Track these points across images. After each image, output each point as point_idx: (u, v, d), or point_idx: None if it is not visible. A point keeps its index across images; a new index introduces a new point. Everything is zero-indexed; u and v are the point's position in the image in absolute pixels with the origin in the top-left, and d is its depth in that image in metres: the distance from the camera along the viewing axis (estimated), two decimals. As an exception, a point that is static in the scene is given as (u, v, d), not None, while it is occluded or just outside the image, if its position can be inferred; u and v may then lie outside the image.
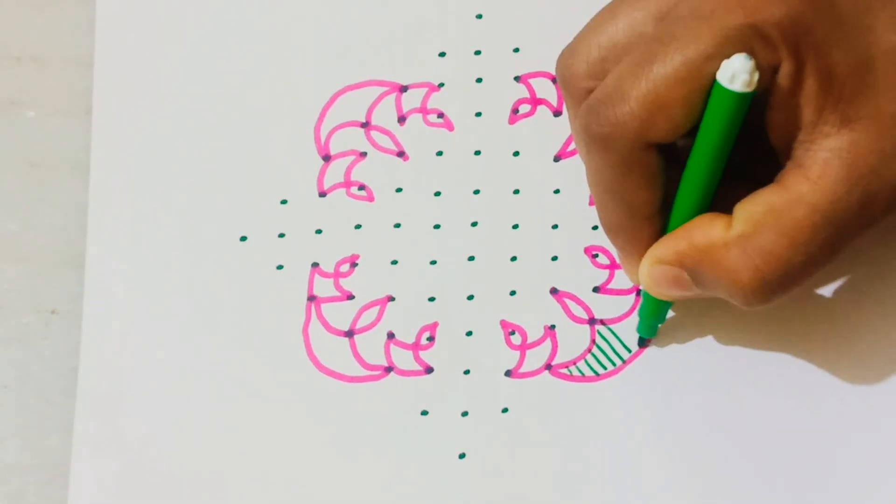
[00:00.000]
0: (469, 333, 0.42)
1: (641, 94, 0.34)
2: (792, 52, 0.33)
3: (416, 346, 0.42)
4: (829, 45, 0.34)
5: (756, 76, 0.33)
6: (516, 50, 0.45)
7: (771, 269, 0.35)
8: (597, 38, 0.37)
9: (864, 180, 0.34)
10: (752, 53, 0.33)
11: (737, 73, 0.33)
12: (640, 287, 0.40)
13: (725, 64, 0.33)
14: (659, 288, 0.38)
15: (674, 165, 0.36)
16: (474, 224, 0.43)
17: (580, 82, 0.37)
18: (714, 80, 0.33)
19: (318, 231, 0.43)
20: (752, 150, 0.37)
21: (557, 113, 0.44)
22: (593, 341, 0.42)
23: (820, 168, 0.34)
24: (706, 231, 0.36)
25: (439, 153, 0.44)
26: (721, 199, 0.36)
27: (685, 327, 0.42)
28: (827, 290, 0.42)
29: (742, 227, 0.35)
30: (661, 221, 0.37)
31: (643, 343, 0.42)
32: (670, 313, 0.42)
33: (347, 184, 0.44)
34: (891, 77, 0.34)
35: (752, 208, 0.35)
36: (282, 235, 0.43)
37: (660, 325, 0.42)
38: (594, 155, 0.36)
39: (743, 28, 0.33)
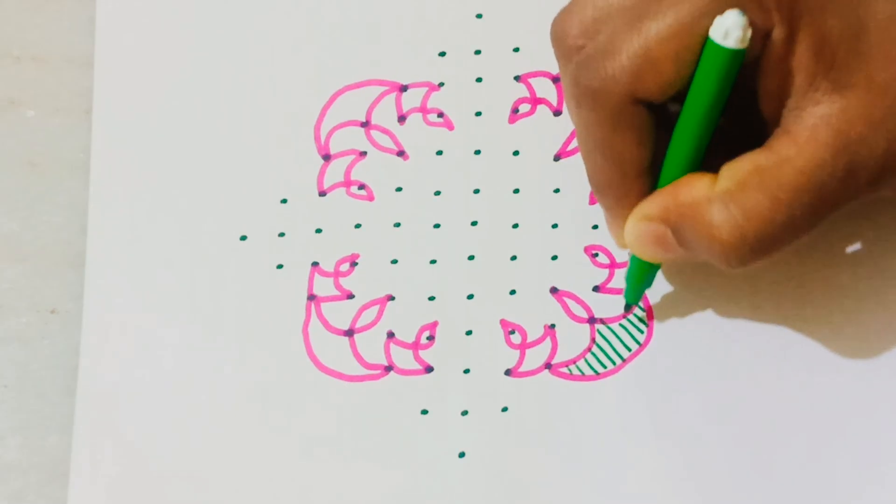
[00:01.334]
0: (469, 333, 0.42)
1: (633, 49, 0.34)
2: (785, 17, 0.34)
3: (415, 346, 0.42)
4: (823, 12, 0.34)
5: (749, 32, 0.33)
6: (516, 49, 0.45)
7: (752, 227, 0.35)
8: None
9: (851, 147, 0.34)
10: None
11: (730, 30, 0.33)
12: (623, 246, 0.39)
13: (718, 20, 0.33)
14: (643, 246, 0.38)
15: (665, 130, 0.36)
16: (474, 223, 0.43)
17: (573, 41, 0.37)
18: (706, 38, 0.33)
19: (318, 230, 0.43)
20: (743, 118, 0.37)
21: (557, 112, 0.44)
22: (593, 340, 0.42)
23: (808, 132, 0.34)
24: (691, 188, 0.36)
25: (439, 153, 0.44)
26: (710, 164, 0.36)
27: (683, 326, 0.42)
28: (826, 283, 0.42)
29: (726, 185, 0.35)
30: (649, 182, 0.37)
31: (628, 308, 0.42)
32: (668, 312, 0.42)
33: (347, 183, 0.44)
34: (884, 46, 0.34)
35: (739, 167, 0.35)
36: (282, 235, 0.43)
37: (655, 326, 0.42)
38: (584, 110, 0.36)
39: None
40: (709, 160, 0.36)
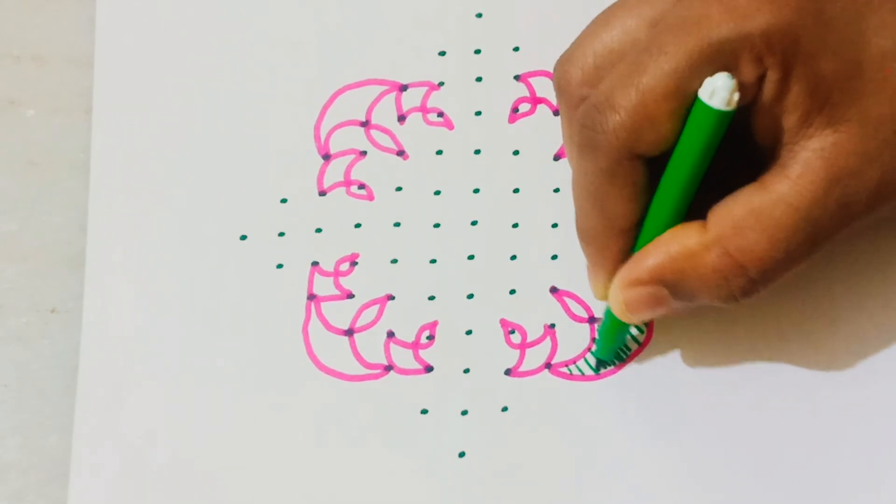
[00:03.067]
0: (469, 332, 0.42)
1: (631, 105, 0.35)
2: (778, 61, 0.34)
3: (415, 345, 0.42)
4: (817, 52, 0.34)
5: (736, 96, 0.33)
6: (516, 49, 0.45)
7: (754, 268, 0.35)
8: (591, 45, 0.37)
9: (844, 181, 0.35)
10: (737, 65, 0.33)
11: (717, 91, 0.33)
12: (601, 297, 0.40)
13: (707, 81, 0.34)
14: (636, 312, 0.38)
15: (657, 182, 0.37)
16: (474, 223, 0.43)
17: (575, 90, 0.37)
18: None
19: (318, 230, 0.43)
20: (732, 155, 0.37)
21: (557, 112, 0.44)
22: (593, 340, 0.42)
23: (800, 167, 0.35)
24: (682, 240, 0.36)
25: (439, 152, 0.44)
26: (691, 211, 0.37)
27: (682, 326, 0.42)
28: (824, 288, 0.42)
29: (720, 230, 0.36)
30: (634, 237, 0.38)
31: (603, 367, 0.42)
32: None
33: (347, 182, 0.44)
34: (878, 82, 0.35)
35: (731, 209, 0.36)
36: (282, 234, 0.43)
37: (653, 325, 0.42)
38: (583, 161, 0.37)
39: (728, 40, 0.34)
40: (691, 206, 0.37)
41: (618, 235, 0.38)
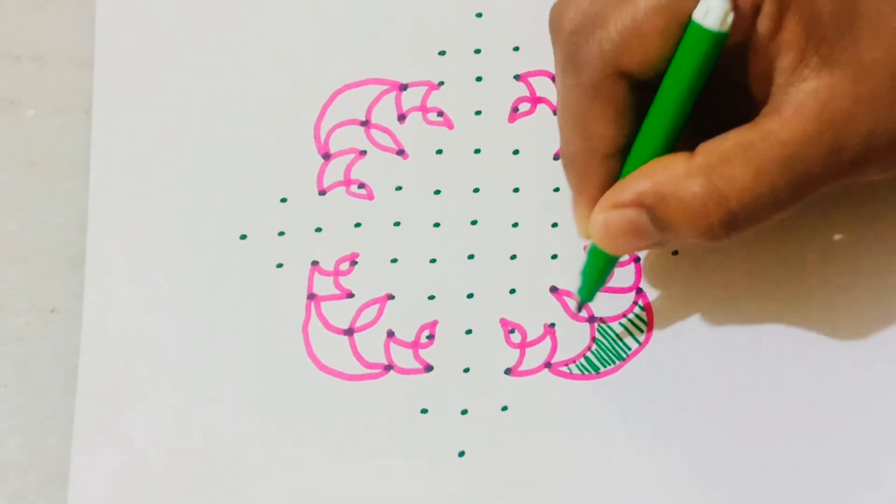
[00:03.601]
0: (469, 332, 0.42)
1: (621, 20, 0.34)
2: None
3: (415, 345, 0.42)
4: None
5: (730, 17, 0.33)
6: (516, 48, 0.45)
7: (736, 198, 0.35)
8: None
9: (837, 123, 0.34)
10: None
11: (711, 10, 0.33)
12: (589, 241, 0.39)
13: (702, 1, 0.33)
14: (613, 239, 0.37)
15: (642, 112, 0.36)
16: (474, 222, 0.43)
17: (568, 22, 0.37)
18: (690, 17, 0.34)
19: (318, 229, 0.43)
20: (724, 105, 0.37)
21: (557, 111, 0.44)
22: (593, 339, 0.42)
23: (793, 107, 0.34)
24: (668, 167, 0.36)
25: (439, 152, 0.44)
26: (683, 148, 0.36)
27: (682, 325, 0.42)
28: (824, 285, 0.42)
29: (706, 158, 0.35)
30: (617, 166, 0.37)
31: (581, 308, 0.42)
32: (667, 311, 0.42)
33: (347, 182, 0.44)
34: (874, 26, 0.34)
35: (720, 143, 0.35)
36: (281, 234, 0.43)
37: (653, 324, 0.42)
38: (567, 77, 0.36)
39: None
40: (683, 143, 0.36)
41: (601, 160, 0.37)
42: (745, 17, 0.34)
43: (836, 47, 0.34)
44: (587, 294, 0.41)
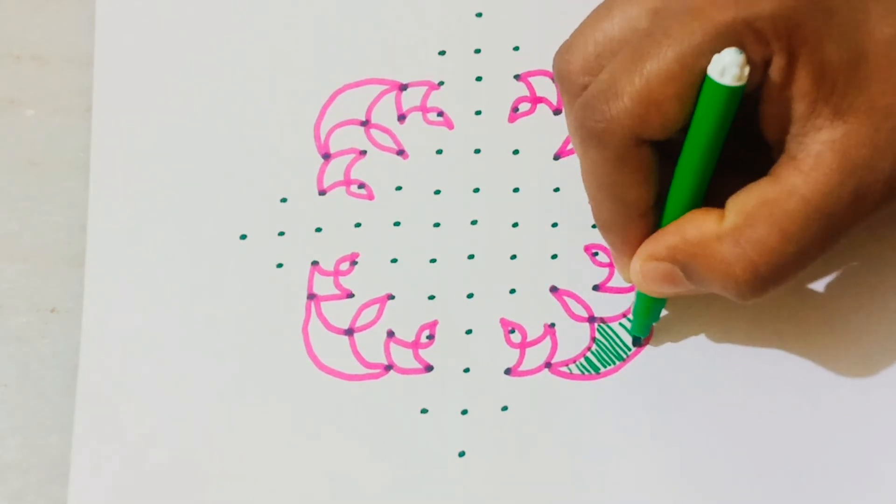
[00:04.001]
0: (469, 332, 0.42)
1: (635, 91, 0.34)
2: (784, 46, 0.34)
3: (415, 345, 0.42)
4: (822, 39, 0.34)
5: (746, 70, 0.33)
6: (516, 48, 0.45)
7: (764, 262, 0.35)
8: (593, 33, 0.37)
9: (857, 173, 0.34)
10: (743, 48, 0.33)
11: (727, 67, 0.33)
12: (629, 282, 0.39)
13: (716, 58, 0.33)
14: (651, 285, 0.38)
15: (668, 163, 0.36)
16: (474, 222, 0.43)
17: (576, 78, 0.37)
18: (705, 76, 0.33)
19: (318, 229, 0.43)
20: (746, 143, 0.37)
21: (557, 111, 0.44)
22: (593, 339, 0.42)
23: (813, 160, 0.34)
24: (698, 225, 0.36)
25: (439, 151, 0.44)
26: (714, 194, 0.36)
27: (683, 325, 0.42)
28: (824, 287, 0.42)
29: (734, 220, 0.35)
30: (654, 219, 0.37)
31: (638, 343, 0.42)
32: (667, 311, 0.42)
33: (347, 182, 0.44)
34: (884, 70, 0.34)
35: (745, 201, 0.35)
36: (281, 234, 0.43)
37: (654, 324, 0.42)
38: (589, 150, 0.36)
39: (734, 23, 0.33)
40: (713, 187, 0.36)
41: (636, 221, 0.37)
42: (756, 69, 0.34)
43: (847, 96, 0.34)
44: (641, 329, 0.42)
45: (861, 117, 0.34)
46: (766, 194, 0.35)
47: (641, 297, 0.40)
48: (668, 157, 0.36)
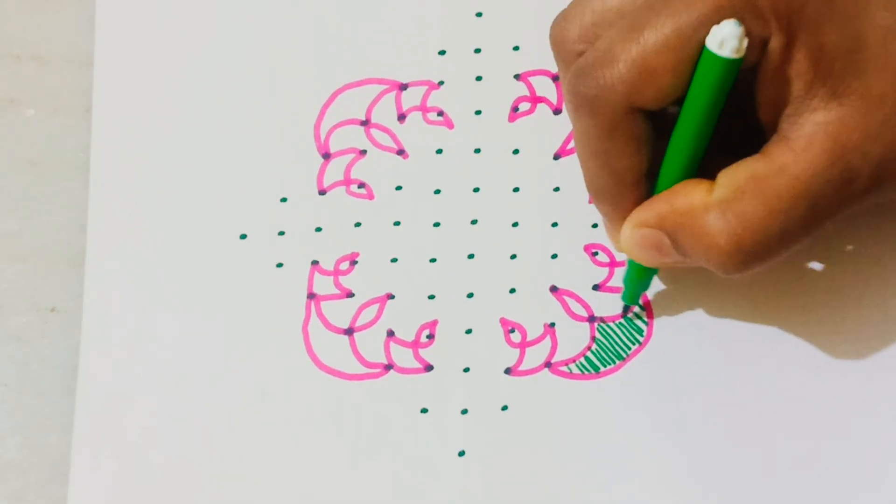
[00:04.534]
0: (469, 331, 0.42)
1: (631, 59, 0.34)
2: (783, 27, 0.34)
3: (415, 344, 0.42)
4: (821, 22, 0.34)
5: (745, 42, 0.33)
6: (516, 48, 0.45)
7: (749, 235, 0.35)
8: (590, 3, 0.37)
9: (847, 156, 0.34)
10: (742, 24, 0.33)
11: (726, 39, 0.33)
12: (621, 250, 0.39)
13: (715, 30, 0.33)
14: (639, 251, 0.38)
15: (662, 135, 0.37)
16: (474, 222, 0.43)
17: (571, 46, 0.37)
18: (703, 47, 0.34)
19: (318, 229, 0.43)
20: (740, 125, 0.37)
21: (557, 111, 0.44)
22: (593, 339, 0.42)
23: (805, 140, 0.35)
24: (688, 195, 0.36)
25: (439, 151, 0.44)
26: (706, 174, 0.36)
27: (683, 326, 0.42)
28: (826, 286, 0.42)
29: (723, 193, 0.35)
30: (646, 188, 0.37)
31: (626, 311, 0.42)
32: (668, 313, 0.42)
33: (347, 182, 0.44)
34: (881, 57, 0.34)
35: (735, 175, 0.35)
36: (281, 233, 0.43)
37: (654, 323, 0.42)
38: (582, 117, 0.36)
39: (735, 1, 0.33)
40: (706, 165, 0.36)
41: (628, 189, 0.37)
42: (754, 47, 0.34)
43: (844, 80, 0.34)
44: (631, 298, 0.42)
45: (856, 102, 0.34)
46: (757, 170, 0.35)
47: (632, 266, 0.40)
48: (662, 131, 0.36)
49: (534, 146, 0.44)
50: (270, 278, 0.43)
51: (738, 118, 0.37)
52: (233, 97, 0.44)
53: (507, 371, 0.42)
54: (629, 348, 0.42)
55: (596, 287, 0.43)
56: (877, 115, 0.34)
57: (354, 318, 0.43)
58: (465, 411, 0.42)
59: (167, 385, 0.42)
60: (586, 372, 0.42)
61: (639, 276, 0.41)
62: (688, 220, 0.36)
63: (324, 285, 0.43)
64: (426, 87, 0.44)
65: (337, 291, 0.43)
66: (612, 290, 0.43)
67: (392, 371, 0.42)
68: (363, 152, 0.44)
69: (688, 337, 0.42)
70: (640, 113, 0.36)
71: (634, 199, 0.38)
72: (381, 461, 0.41)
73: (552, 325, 0.42)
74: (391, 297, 0.43)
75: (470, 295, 0.43)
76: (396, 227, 0.43)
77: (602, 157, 0.37)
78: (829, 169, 0.34)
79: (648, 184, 0.37)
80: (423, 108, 0.44)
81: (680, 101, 0.35)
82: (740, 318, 0.42)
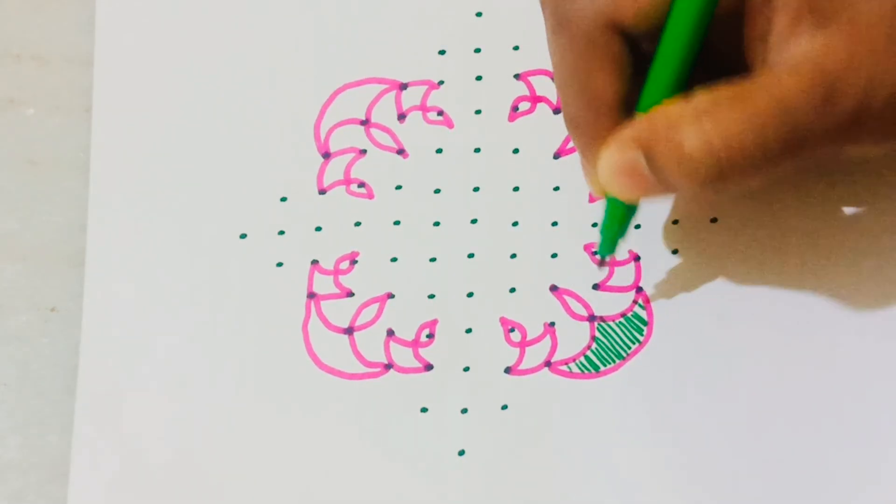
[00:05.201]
0: (469, 331, 0.42)
1: None
2: None
3: (415, 344, 0.42)
4: None
5: None
6: (516, 48, 0.45)
7: (724, 146, 0.34)
8: None
9: (830, 82, 0.34)
10: None
11: None
12: (598, 191, 0.39)
13: None
14: (614, 178, 0.36)
15: (641, 73, 0.36)
16: (474, 221, 0.43)
17: None
18: None
19: (318, 228, 0.43)
20: (723, 66, 0.37)
21: (557, 110, 0.44)
22: (593, 338, 0.42)
23: (788, 66, 0.34)
24: (664, 110, 0.35)
25: (439, 151, 0.44)
26: None
27: (683, 325, 0.42)
28: (827, 286, 0.42)
29: (700, 103, 0.35)
30: (623, 118, 0.37)
31: (603, 263, 0.41)
32: (668, 312, 0.42)
33: (347, 181, 0.44)
34: None
35: (714, 89, 0.35)
36: (281, 233, 0.43)
37: (653, 319, 0.42)
38: (560, 37, 0.36)
39: None
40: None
41: (604, 117, 0.37)
42: None
43: (830, 9, 0.34)
44: (606, 247, 0.40)
45: (842, 29, 0.34)
46: (737, 88, 0.34)
47: (609, 208, 0.39)
48: (641, 70, 0.36)
49: (534, 146, 0.44)
50: (270, 278, 0.43)
51: (725, 62, 0.36)
52: (233, 97, 0.44)
53: (507, 370, 0.42)
54: (629, 347, 0.42)
55: (596, 286, 0.43)
56: (863, 44, 0.34)
57: (354, 318, 0.43)
58: (464, 410, 0.42)
59: (167, 385, 0.42)
60: (586, 371, 0.42)
61: (616, 219, 0.39)
62: (664, 130, 0.35)
63: (324, 285, 0.43)
64: (426, 87, 0.44)
65: (337, 291, 0.43)
66: (613, 289, 0.43)
67: (392, 370, 0.42)
68: (363, 152, 0.44)
69: (688, 337, 0.42)
70: (618, 35, 0.35)
71: (609, 128, 0.37)
72: (380, 461, 0.41)
73: (552, 324, 0.42)
74: (391, 296, 0.43)
75: (470, 294, 0.43)
76: (396, 226, 0.43)
77: (578, 79, 0.36)
78: (811, 91, 0.34)
79: (624, 116, 0.37)
80: (423, 108, 0.44)
81: (659, 31, 0.35)
82: (740, 318, 0.42)
